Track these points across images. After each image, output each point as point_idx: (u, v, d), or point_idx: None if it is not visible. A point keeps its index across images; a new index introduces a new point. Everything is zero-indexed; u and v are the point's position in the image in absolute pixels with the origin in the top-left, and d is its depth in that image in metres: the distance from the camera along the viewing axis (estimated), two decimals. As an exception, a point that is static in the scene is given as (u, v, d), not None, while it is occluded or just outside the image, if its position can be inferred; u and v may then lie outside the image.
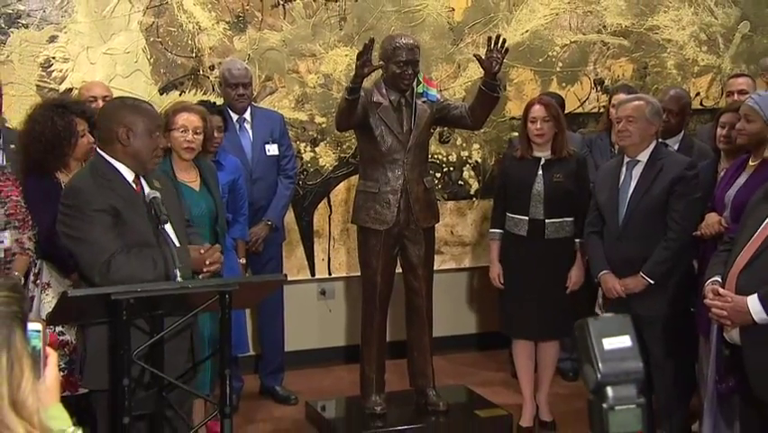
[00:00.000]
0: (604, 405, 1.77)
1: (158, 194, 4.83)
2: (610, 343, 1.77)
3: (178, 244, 4.78)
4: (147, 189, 4.85)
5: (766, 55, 8.25)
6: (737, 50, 8.96)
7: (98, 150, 4.92)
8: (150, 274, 4.63)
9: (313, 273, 8.26)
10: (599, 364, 1.77)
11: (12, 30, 7.27)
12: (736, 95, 7.42)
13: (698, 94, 8.72)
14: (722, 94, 8.66)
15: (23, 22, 7.29)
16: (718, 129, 6.39)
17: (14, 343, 2.72)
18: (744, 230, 4.95)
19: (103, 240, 4.70)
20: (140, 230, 4.77)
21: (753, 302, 4.65)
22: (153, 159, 4.89)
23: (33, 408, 2.76)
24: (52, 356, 3.05)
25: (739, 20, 8.94)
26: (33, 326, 3.04)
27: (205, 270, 4.77)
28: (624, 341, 1.77)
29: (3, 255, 5.45)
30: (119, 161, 4.83)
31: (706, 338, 5.67)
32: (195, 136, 6.08)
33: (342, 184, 8.20)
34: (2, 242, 5.46)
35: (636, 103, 6.27)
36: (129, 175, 4.87)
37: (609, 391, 1.77)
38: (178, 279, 4.67)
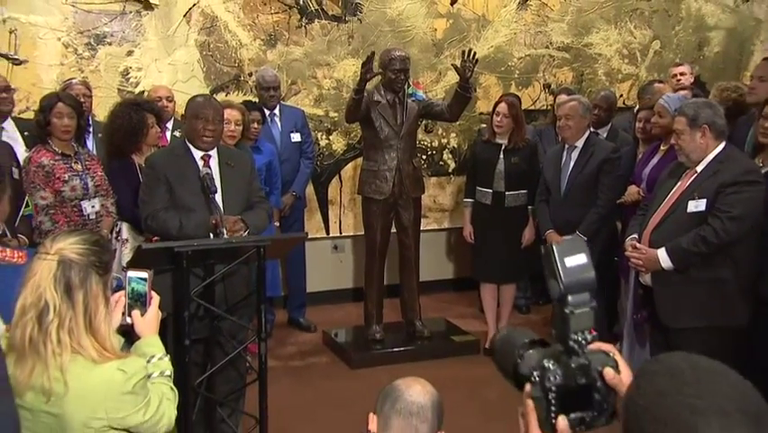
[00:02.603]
0: (566, 310, 1.71)
1: (209, 171, 4.88)
2: (571, 260, 1.73)
3: (223, 212, 4.83)
4: (203, 168, 4.92)
5: (672, 66, 8.24)
6: (651, 62, 8.93)
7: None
8: (175, 231, 4.74)
9: (328, 232, 8.26)
10: (563, 278, 1.73)
11: (99, 47, 7.27)
12: (678, 76, 7.71)
13: (621, 95, 8.69)
14: (639, 96, 8.67)
15: (108, 40, 7.29)
16: (637, 123, 6.44)
17: (90, 285, 2.75)
18: (655, 199, 4.97)
19: (152, 200, 4.87)
20: (184, 197, 4.85)
21: (662, 254, 4.69)
22: (200, 138, 4.91)
23: (106, 334, 2.81)
24: (155, 298, 3.10)
25: (652, 39, 8.91)
26: (141, 274, 3.11)
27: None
28: (581, 258, 1.72)
29: (94, 217, 5.51)
30: (192, 144, 4.93)
31: (625, 281, 5.71)
32: (235, 127, 6.14)
33: (350, 164, 8.18)
34: (93, 206, 5.52)
35: (572, 104, 6.31)
36: (197, 154, 4.93)
37: (570, 298, 1.71)
38: (225, 236, 4.72)
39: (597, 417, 1.76)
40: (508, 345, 1.85)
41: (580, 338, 1.74)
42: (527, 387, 1.78)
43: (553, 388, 1.73)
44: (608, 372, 1.74)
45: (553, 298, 1.77)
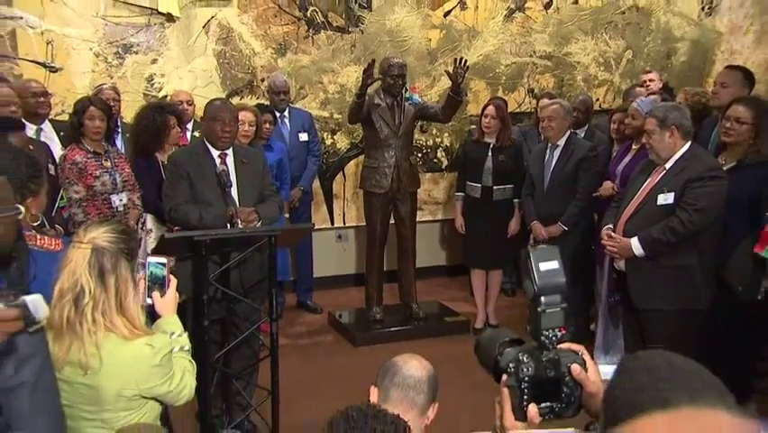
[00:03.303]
0: (539, 309, 1.74)
1: (225, 167, 4.90)
2: (544, 265, 1.75)
3: (238, 205, 4.85)
4: (219, 165, 4.93)
5: (642, 73, 8.26)
6: (624, 70, 8.91)
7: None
8: (195, 222, 4.74)
9: (332, 223, 8.26)
10: (537, 280, 1.76)
11: (127, 55, 7.27)
12: (647, 83, 7.66)
13: (598, 99, 8.67)
14: (614, 99, 8.67)
15: (135, 50, 7.28)
16: (611, 124, 6.45)
17: (120, 269, 2.79)
18: (628, 193, 5.00)
19: (174, 194, 4.88)
20: (203, 191, 4.85)
21: (634, 242, 4.73)
22: (218, 138, 4.90)
23: (135, 313, 2.85)
24: (173, 281, 3.14)
25: (625, 48, 8.89)
26: (160, 259, 3.14)
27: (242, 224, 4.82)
28: (554, 264, 1.74)
29: (122, 209, 5.53)
30: (210, 144, 4.93)
31: (601, 267, 5.72)
32: (249, 127, 6.17)
33: (352, 161, 8.17)
34: (121, 200, 5.53)
35: (554, 107, 6.33)
36: (215, 153, 4.94)
37: (542, 299, 1.74)
38: (240, 226, 4.73)
39: (564, 408, 1.81)
40: (490, 343, 1.89)
41: (550, 335, 1.78)
42: (504, 377, 1.82)
43: (526, 378, 1.78)
44: (575, 368, 1.78)
45: (528, 297, 1.81)
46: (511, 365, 1.80)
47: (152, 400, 2.92)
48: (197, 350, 4.13)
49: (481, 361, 1.92)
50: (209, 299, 4.46)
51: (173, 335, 3.06)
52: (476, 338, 1.99)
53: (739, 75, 5.90)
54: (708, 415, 0.73)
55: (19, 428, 2.03)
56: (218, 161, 4.94)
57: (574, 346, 1.83)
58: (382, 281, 7.13)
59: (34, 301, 1.91)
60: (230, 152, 5.00)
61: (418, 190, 7.15)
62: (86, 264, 2.75)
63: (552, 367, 1.78)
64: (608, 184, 6.10)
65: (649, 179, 4.82)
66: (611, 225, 4.97)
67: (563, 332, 1.78)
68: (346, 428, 2.10)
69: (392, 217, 6.96)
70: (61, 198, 5.33)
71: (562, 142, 6.31)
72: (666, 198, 4.67)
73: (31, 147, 4.75)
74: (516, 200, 6.79)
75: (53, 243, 3.18)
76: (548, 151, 6.39)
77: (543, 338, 1.77)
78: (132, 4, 7.22)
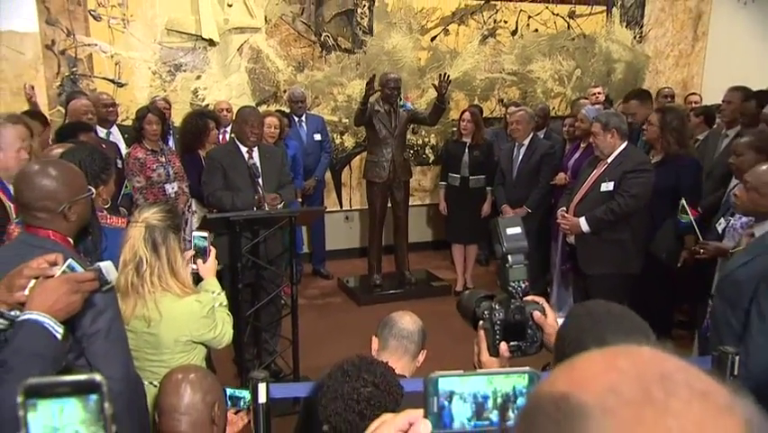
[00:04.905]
0: (506, 265, 1.78)
1: (255, 161, 4.93)
2: (510, 230, 1.77)
3: (263, 189, 4.87)
4: (248, 159, 4.96)
5: (591, 87, 8.27)
6: (574, 84, 8.91)
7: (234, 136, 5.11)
8: (228, 205, 4.77)
9: (341, 206, 8.25)
10: (504, 243, 1.79)
11: (177, 73, 7.26)
12: (596, 95, 7.65)
13: (554, 108, 8.65)
14: (566, 108, 8.66)
15: (183, 68, 7.27)
16: (564, 127, 6.49)
17: (170, 241, 2.84)
18: (578, 183, 5.04)
19: (211, 183, 4.91)
20: (234, 180, 4.88)
21: (582, 221, 4.77)
22: (249, 138, 4.92)
23: (184, 276, 2.89)
24: (213, 251, 3.18)
25: (575, 68, 8.88)
26: (202, 233, 3.19)
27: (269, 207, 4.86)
28: (517, 229, 1.76)
29: (174, 196, 5.55)
30: (240, 142, 4.94)
31: (555, 241, 5.76)
32: (274, 130, 6.16)
33: (357, 156, 8.13)
34: (173, 188, 5.55)
35: (521, 113, 6.35)
36: (243, 149, 4.96)
37: (509, 257, 1.76)
38: (266, 209, 4.77)
39: (529, 346, 1.84)
40: (469, 298, 1.92)
41: (516, 286, 1.80)
42: (480, 322, 1.85)
43: (498, 322, 1.81)
44: (536, 314, 1.82)
45: (497, 257, 1.83)
46: (486, 312, 1.83)
47: (200, 344, 2.97)
48: (233, 308, 4.18)
49: (462, 314, 1.95)
50: (242, 267, 4.50)
51: (214, 293, 3.11)
52: (458, 298, 2.02)
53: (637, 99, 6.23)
54: (636, 349, 0.77)
55: (97, 366, 2.08)
56: (247, 156, 4.96)
57: (537, 298, 1.87)
58: (381, 254, 7.14)
59: (106, 266, 1.94)
60: (255, 149, 5.03)
61: (410, 180, 7.14)
62: (141, 239, 2.81)
63: (518, 313, 1.80)
64: (561, 175, 6.13)
65: (594, 171, 4.85)
66: (565, 208, 5.00)
67: (527, 284, 1.81)
68: (342, 381, 2.12)
69: (389, 202, 6.96)
70: (126, 187, 5.37)
71: (526, 142, 6.33)
72: (607, 186, 4.71)
73: (103, 145, 4.78)
74: (488, 188, 6.79)
75: (119, 221, 3.23)
76: (515, 148, 6.41)
77: (510, 288, 1.80)
78: (181, 32, 7.21)
